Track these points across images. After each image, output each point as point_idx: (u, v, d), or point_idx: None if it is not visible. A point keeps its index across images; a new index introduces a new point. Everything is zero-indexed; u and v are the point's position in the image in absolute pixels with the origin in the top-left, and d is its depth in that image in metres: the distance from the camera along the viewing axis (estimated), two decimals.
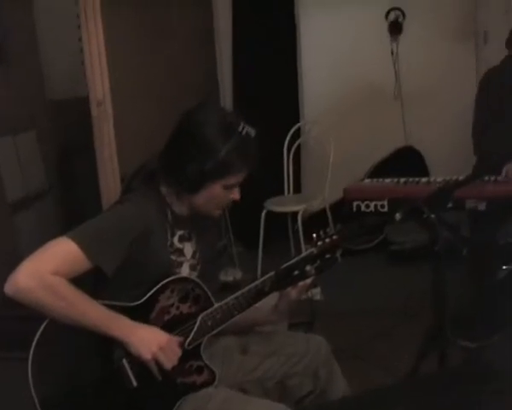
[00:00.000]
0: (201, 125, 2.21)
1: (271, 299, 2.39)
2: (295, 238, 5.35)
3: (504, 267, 4.10)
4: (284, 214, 5.41)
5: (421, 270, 2.96)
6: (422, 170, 5.80)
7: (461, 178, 3.19)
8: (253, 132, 2.25)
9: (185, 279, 2.25)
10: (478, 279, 3.94)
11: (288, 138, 5.48)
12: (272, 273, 2.27)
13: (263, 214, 5.13)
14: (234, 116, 2.27)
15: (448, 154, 5.60)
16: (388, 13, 5.91)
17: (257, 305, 2.31)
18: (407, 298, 4.30)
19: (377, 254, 5.55)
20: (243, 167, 2.24)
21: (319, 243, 2.31)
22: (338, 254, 2.32)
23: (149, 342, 2.08)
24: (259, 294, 2.27)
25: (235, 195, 2.30)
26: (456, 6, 5.76)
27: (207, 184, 2.22)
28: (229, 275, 5.25)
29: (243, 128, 2.21)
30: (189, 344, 2.19)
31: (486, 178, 3.55)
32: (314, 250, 2.30)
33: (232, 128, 2.21)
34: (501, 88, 3.94)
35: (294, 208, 5.17)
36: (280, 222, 5.48)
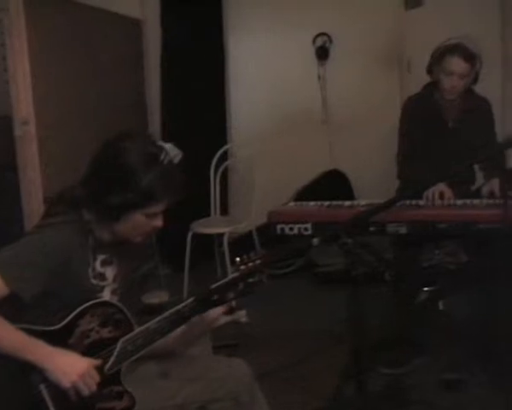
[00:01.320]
0: (123, 155, 2.20)
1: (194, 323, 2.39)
2: (222, 260, 5.35)
3: (426, 289, 4.20)
4: (211, 236, 5.41)
5: (347, 293, 2.99)
6: (348, 193, 5.88)
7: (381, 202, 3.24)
8: (177, 158, 2.25)
9: (106, 304, 2.23)
10: (400, 302, 3.99)
11: (215, 160, 5.48)
12: (192, 298, 2.27)
13: (189, 236, 5.12)
14: (156, 145, 2.26)
15: (374, 177, 5.70)
16: (316, 38, 6.01)
17: (179, 329, 2.32)
18: (333, 321, 4.33)
19: (304, 276, 5.58)
20: (166, 196, 2.24)
21: (242, 267, 2.33)
22: (261, 279, 2.34)
23: (69, 369, 2.05)
24: (180, 319, 2.27)
25: (158, 222, 2.29)
26: (382, 34, 5.88)
27: (129, 214, 2.21)
28: (156, 297, 5.20)
29: (166, 157, 2.21)
30: (108, 369, 2.17)
31: (408, 202, 3.62)
32: (237, 274, 2.32)
33: (154, 157, 2.20)
34: (422, 114, 4.02)
35: (220, 230, 5.18)
36: (208, 244, 5.48)
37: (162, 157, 2.21)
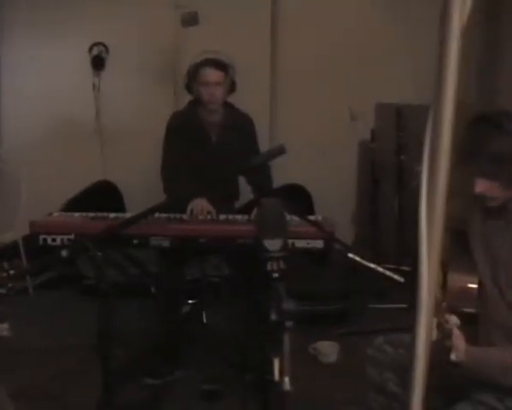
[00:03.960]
0: None
1: None
2: None
3: (190, 302, 4.28)
4: None
5: (115, 305, 2.96)
6: (119, 205, 5.86)
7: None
8: None
9: None
10: (165, 315, 4.03)
11: None
12: None
13: None
14: None
15: (146, 190, 5.69)
16: (92, 47, 5.93)
17: None
18: (94, 335, 4.28)
19: (73, 288, 5.44)
20: None
21: None
22: (14, 289, 2.28)
23: None
24: None
25: None
26: (159, 48, 5.92)
27: None
28: None
29: None
30: None
31: (172, 216, 3.68)
32: None
33: None
34: (185, 130, 4.12)
35: None
36: None
37: None
